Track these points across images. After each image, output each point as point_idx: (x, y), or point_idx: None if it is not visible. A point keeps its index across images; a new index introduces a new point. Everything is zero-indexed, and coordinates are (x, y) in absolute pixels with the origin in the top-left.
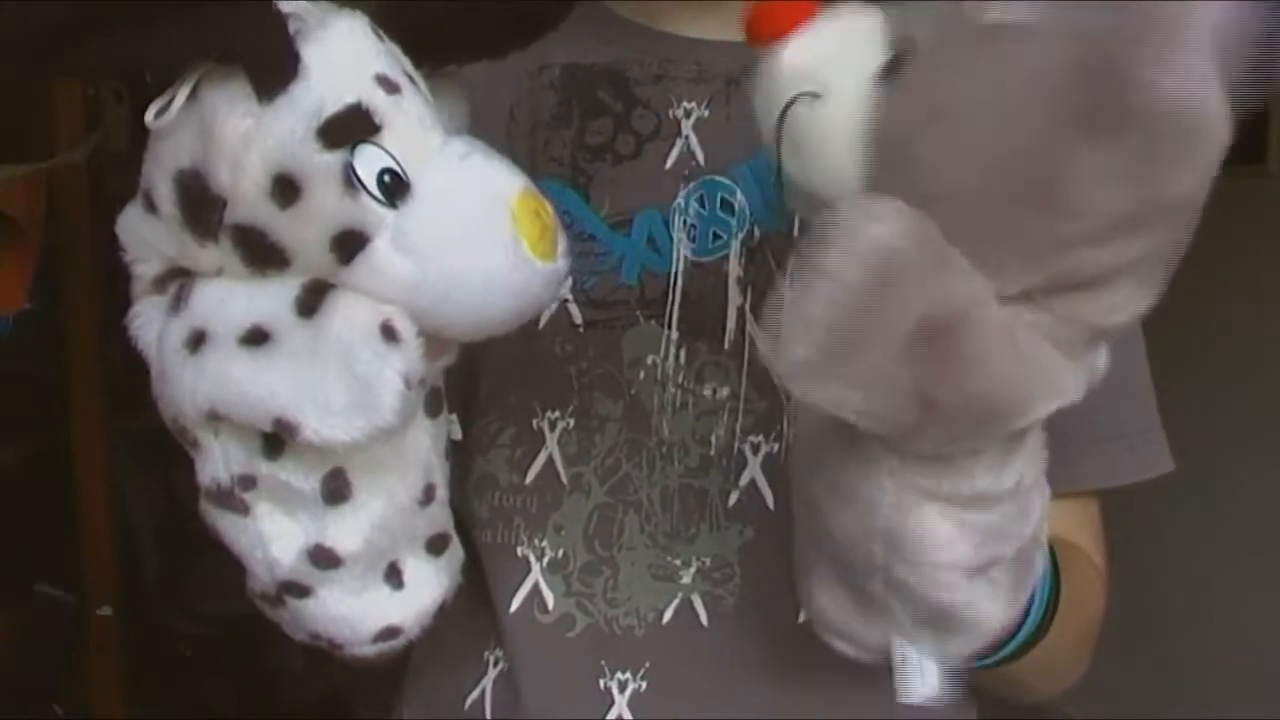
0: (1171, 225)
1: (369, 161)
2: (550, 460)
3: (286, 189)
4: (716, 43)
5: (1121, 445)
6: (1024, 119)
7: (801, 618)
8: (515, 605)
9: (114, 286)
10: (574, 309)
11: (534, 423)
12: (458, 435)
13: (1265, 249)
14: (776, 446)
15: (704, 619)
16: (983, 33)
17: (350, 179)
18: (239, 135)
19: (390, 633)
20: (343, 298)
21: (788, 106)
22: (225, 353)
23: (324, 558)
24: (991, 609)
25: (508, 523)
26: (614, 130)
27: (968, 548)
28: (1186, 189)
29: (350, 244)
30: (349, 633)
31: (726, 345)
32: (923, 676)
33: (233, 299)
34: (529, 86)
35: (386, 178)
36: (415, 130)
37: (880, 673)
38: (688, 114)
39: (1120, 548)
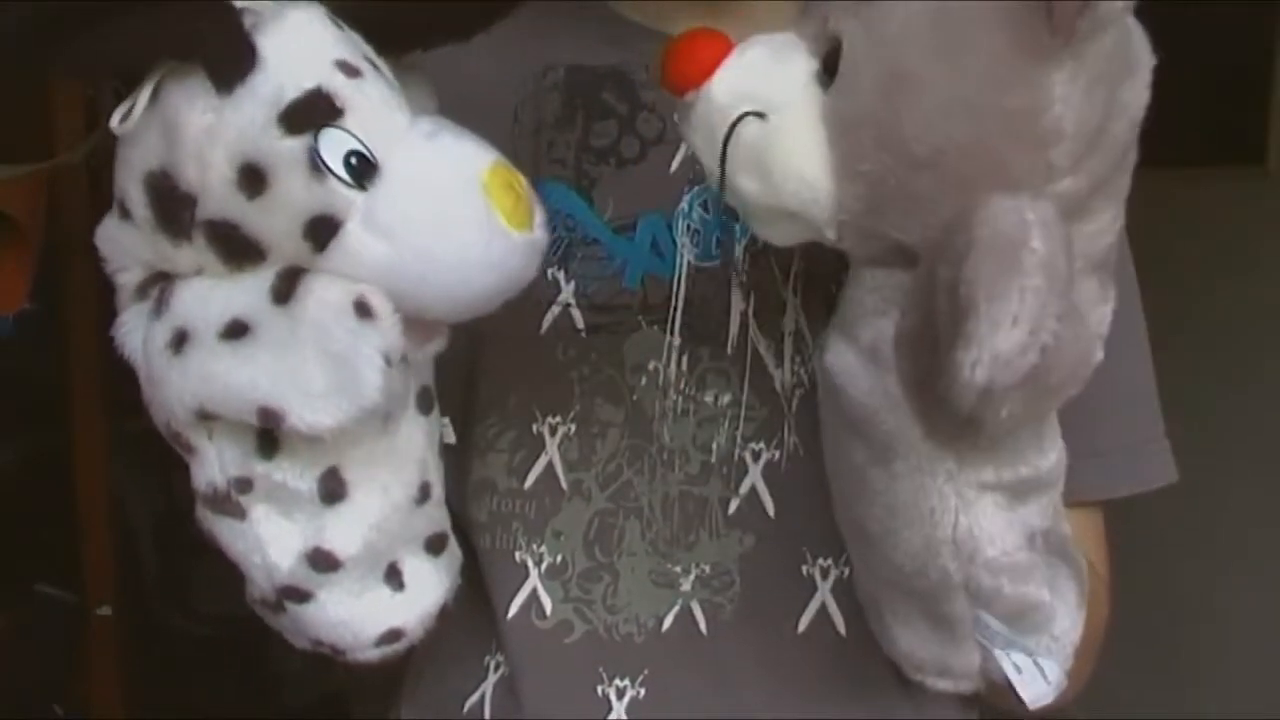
0: (1126, 129)
1: (334, 145)
2: (550, 465)
3: (253, 179)
4: None
5: (1125, 456)
6: (985, 61)
7: (802, 627)
8: (513, 611)
9: (114, 287)
10: (576, 313)
11: (534, 427)
12: (451, 439)
13: (1265, 249)
14: (778, 454)
15: (703, 626)
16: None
17: (316, 163)
18: (201, 130)
19: (393, 635)
20: (316, 280)
21: (732, 128)
22: (207, 349)
23: (323, 560)
24: (1071, 589)
25: (506, 528)
26: (618, 133)
27: (1021, 533)
28: (1136, 87)
29: (323, 230)
30: (350, 637)
31: (729, 352)
32: (1045, 676)
33: (211, 295)
34: (533, 88)
35: (353, 160)
36: (380, 111)
37: (877, 678)
38: None
39: (1122, 550)
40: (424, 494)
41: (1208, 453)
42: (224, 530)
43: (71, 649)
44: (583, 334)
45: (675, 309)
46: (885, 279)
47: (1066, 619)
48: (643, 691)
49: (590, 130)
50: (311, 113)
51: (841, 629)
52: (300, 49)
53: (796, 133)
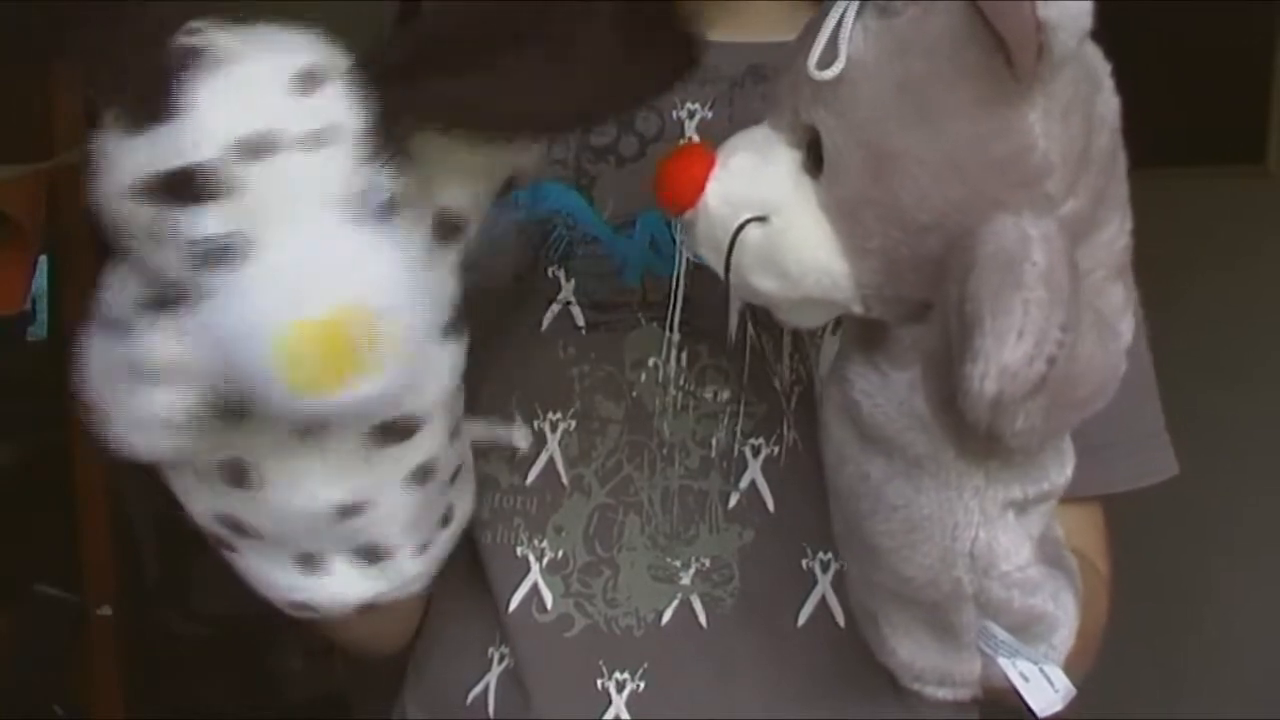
0: (1109, 138)
1: (194, 224)
2: (551, 461)
3: (116, 231)
4: (723, 44)
5: (1125, 451)
6: (960, 120)
7: (802, 620)
8: (514, 605)
9: None
10: (576, 311)
11: (535, 424)
12: (523, 443)
13: (1265, 249)
14: (777, 450)
15: (703, 620)
16: (872, 73)
17: (169, 236)
18: (106, 153)
19: (305, 608)
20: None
21: (735, 238)
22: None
23: (233, 526)
24: (1069, 599)
25: (507, 523)
26: (618, 132)
27: (1030, 547)
28: (1106, 97)
29: (168, 295)
30: (268, 593)
31: (728, 348)
32: (1052, 684)
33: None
34: None
35: (209, 247)
36: (270, 204)
37: (877, 671)
38: (691, 115)
39: (1120, 547)
40: (355, 511)
41: (1207, 452)
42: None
43: (71, 649)
44: (583, 331)
45: (674, 306)
46: (922, 333)
47: (1065, 628)
48: (642, 685)
49: (590, 130)
50: (179, 189)
51: (841, 622)
52: (210, 114)
53: (800, 227)
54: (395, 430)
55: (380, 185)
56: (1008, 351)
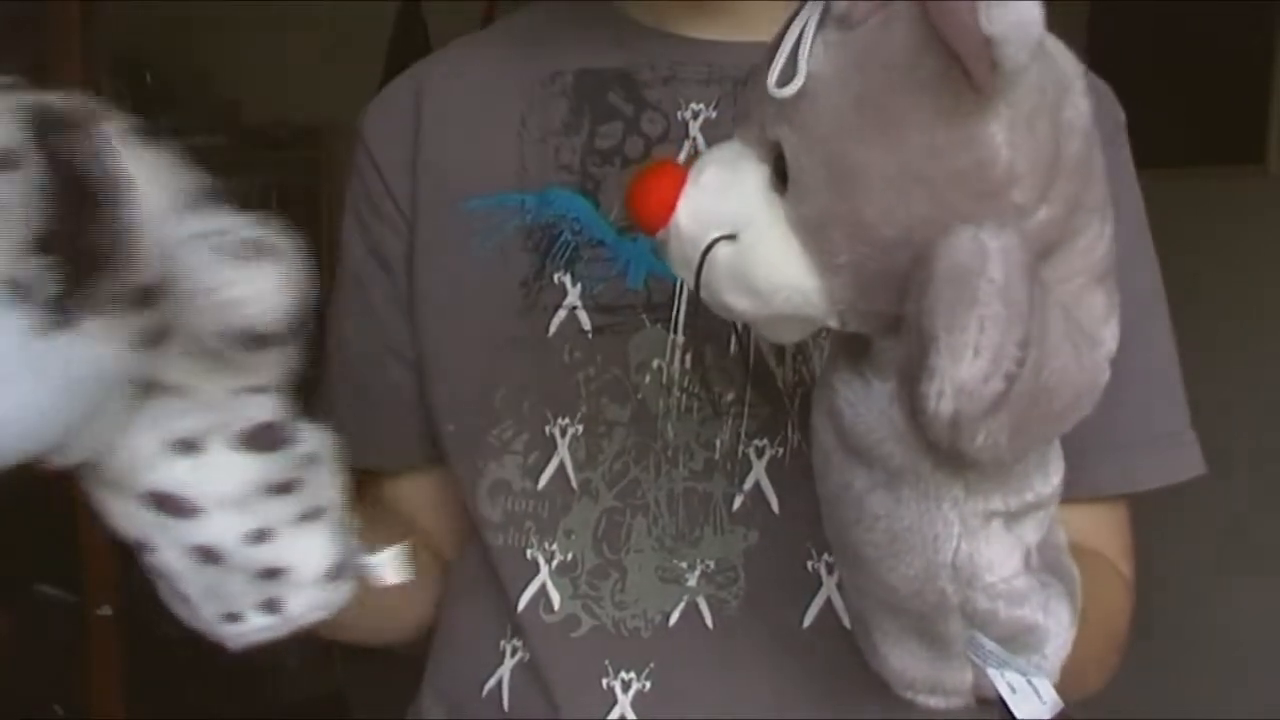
0: (1081, 143)
1: None
2: (561, 466)
3: None
4: (728, 44)
5: (1146, 449)
6: (920, 133)
7: (808, 621)
8: (522, 605)
9: None
10: (583, 315)
11: (546, 429)
12: (391, 578)
13: (1265, 249)
14: (781, 451)
15: (709, 621)
16: (832, 87)
17: None
18: None
19: None
20: None
21: (704, 258)
22: None
23: None
24: (1064, 609)
25: (519, 527)
26: (624, 134)
27: (1020, 556)
28: (1075, 101)
29: None
30: None
31: (732, 350)
32: (1040, 695)
33: None
34: (541, 94)
35: None
36: None
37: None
38: (695, 115)
39: None
40: (142, 549)
41: (1209, 452)
42: None
43: (71, 649)
44: (589, 335)
45: (678, 308)
46: (898, 345)
47: (1059, 638)
48: (648, 685)
49: (596, 133)
50: None
51: (848, 623)
52: None
53: (768, 245)
54: (165, 503)
55: (47, 283)
56: (963, 369)
